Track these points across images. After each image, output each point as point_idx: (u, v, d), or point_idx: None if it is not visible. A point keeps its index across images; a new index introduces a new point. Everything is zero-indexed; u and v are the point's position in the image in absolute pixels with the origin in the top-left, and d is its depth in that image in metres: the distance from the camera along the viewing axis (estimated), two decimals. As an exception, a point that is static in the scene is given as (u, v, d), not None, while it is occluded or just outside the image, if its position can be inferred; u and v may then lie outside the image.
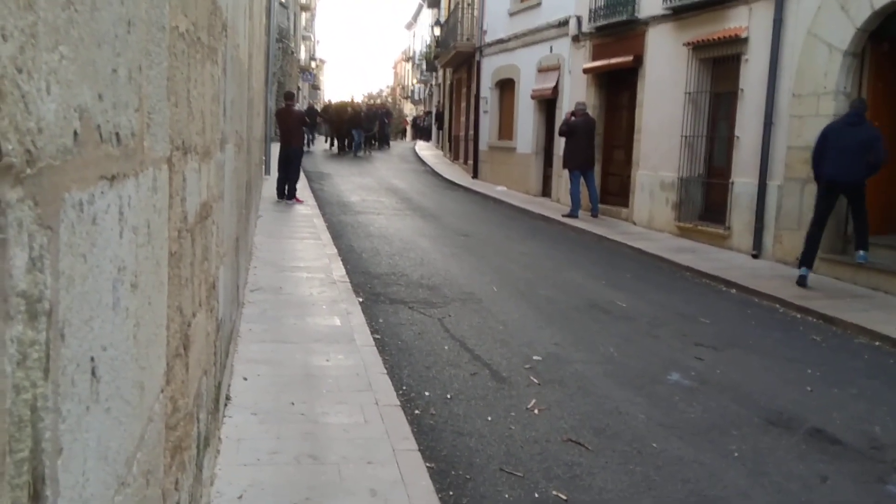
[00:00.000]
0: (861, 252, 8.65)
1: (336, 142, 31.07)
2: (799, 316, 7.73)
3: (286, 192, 14.66)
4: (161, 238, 1.89)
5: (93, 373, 1.24)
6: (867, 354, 6.50)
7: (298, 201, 14.65)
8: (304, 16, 49.97)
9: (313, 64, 57.98)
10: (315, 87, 64.20)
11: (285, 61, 30.88)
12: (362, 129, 29.46)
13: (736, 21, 11.23)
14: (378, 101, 46.14)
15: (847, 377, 5.86)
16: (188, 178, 2.35)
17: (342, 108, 31.35)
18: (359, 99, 33.70)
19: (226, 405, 4.32)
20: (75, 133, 1.13)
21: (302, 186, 16.15)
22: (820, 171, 8.56)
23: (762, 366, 6.07)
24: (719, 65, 11.97)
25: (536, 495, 3.81)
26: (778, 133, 10.28)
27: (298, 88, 43.05)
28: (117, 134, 1.38)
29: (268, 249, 9.48)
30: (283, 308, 6.69)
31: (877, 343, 6.78)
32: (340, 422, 4.30)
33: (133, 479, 1.56)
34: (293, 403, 4.50)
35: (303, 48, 49.83)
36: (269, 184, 15.07)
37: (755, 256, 10.60)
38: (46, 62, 0.99)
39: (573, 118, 14.61)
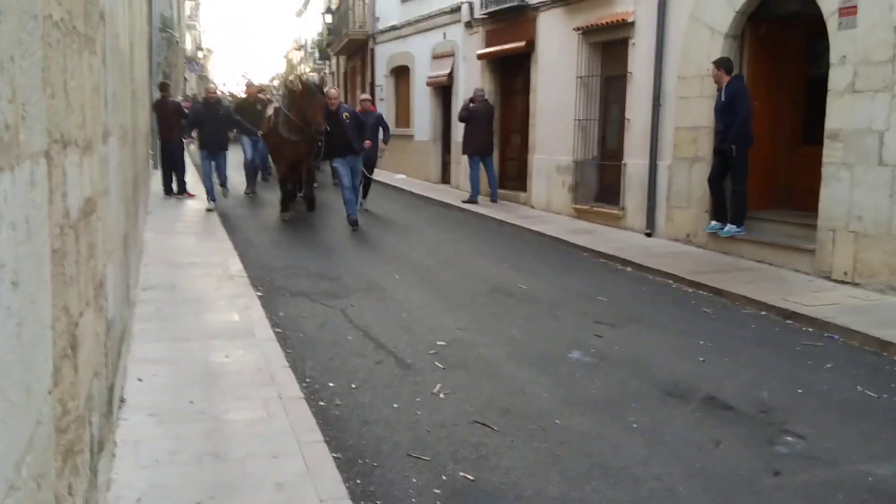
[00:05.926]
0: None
1: (280, 184, 13.26)
2: (691, 290, 8.01)
3: (175, 186, 14.25)
4: (42, 235, 1.81)
5: (-30, 377, 1.18)
6: (754, 324, 6.80)
7: (190, 196, 14.26)
8: (188, 4, 48.50)
9: (200, 54, 56.36)
10: (203, 78, 62.47)
11: (170, 51, 29.58)
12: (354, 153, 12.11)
13: (623, 6, 11.50)
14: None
15: (737, 346, 6.11)
16: (69, 172, 2.26)
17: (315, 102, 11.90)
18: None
19: (120, 407, 4.19)
20: (-61, 124, 1.06)
21: (194, 181, 15.70)
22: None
23: (658, 340, 6.27)
24: (609, 49, 12.25)
25: (444, 478, 3.84)
26: (666, 114, 10.59)
27: (185, 79, 41.82)
28: (-13, 125, 1.31)
29: (160, 246, 9.20)
30: (179, 305, 6.51)
31: (763, 312, 7.09)
32: (243, 418, 4.22)
33: (23, 483, 1.50)
34: (192, 402, 4.40)
35: (188, 38, 48.37)
36: (158, 179, 14.60)
37: (649, 235, 10.92)
38: None
39: (472, 104, 14.65)
